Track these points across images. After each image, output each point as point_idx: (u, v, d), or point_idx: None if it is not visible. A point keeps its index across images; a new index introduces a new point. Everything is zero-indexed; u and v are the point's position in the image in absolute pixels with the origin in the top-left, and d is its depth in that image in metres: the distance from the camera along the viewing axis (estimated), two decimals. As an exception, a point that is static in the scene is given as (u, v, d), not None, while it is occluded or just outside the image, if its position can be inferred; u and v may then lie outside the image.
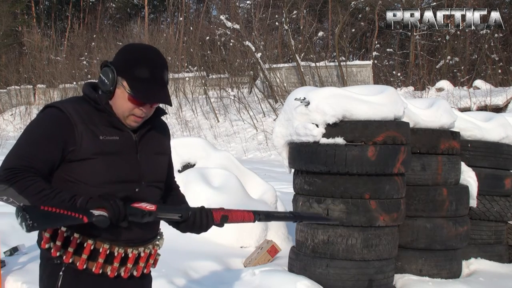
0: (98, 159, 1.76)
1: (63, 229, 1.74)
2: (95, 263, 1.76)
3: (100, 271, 1.77)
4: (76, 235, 1.74)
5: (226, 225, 1.89)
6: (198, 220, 1.80)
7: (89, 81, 1.96)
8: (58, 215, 1.55)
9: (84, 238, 1.75)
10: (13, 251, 4.61)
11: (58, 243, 1.75)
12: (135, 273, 1.85)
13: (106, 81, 1.79)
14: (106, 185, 1.76)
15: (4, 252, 4.52)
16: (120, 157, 1.80)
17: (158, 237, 1.95)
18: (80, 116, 1.77)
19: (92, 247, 1.75)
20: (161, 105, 1.90)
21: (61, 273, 1.77)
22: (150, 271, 1.98)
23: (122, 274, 1.81)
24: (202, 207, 1.84)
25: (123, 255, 1.79)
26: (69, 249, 1.74)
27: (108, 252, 1.76)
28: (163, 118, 2.04)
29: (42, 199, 1.63)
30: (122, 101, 1.79)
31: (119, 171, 1.79)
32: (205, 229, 1.84)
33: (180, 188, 2.16)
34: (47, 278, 1.81)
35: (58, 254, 1.76)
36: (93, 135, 1.77)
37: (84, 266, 1.75)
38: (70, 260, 1.75)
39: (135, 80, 1.77)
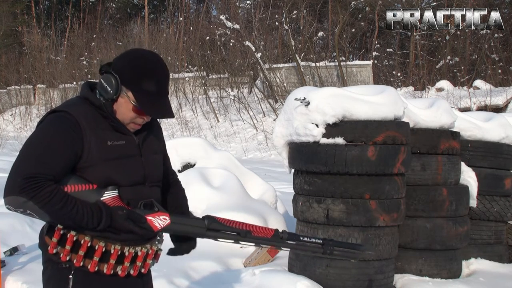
0: (107, 164, 1.77)
1: (73, 233, 1.75)
2: (91, 261, 1.77)
3: (96, 269, 1.78)
4: (72, 232, 1.75)
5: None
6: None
7: (87, 81, 1.93)
8: None
9: (81, 235, 1.76)
10: (13, 251, 4.61)
11: (68, 247, 1.75)
12: (132, 272, 1.86)
13: (110, 89, 1.76)
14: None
15: (4, 252, 4.52)
16: (127, 160, 1.82)
17: (158, 237, 1.96)
18: (87, 121, 1.76)
19: (89, 244, 1.76)
20: None
21: (70, 276, 1.78)
22: (149, 270, 1.99)
23: (119, 272, 1.82)
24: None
25: (119, 252, 1.80)
26: (66, 246, 1.75)
27: (104, 250, 1.77)
28: None
29: (63, 216, 1.66)
30: (125, 110, 1.80)
31: (127, 175, 1.81)
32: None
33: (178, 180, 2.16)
34: (57, 282, 1.81)
35: (67, 258, 1.76)
36: (100, 140, 1.77)
37: (81, 264, 1.76)
38: (68, 258, 1.76)
39: (141, 93, 1.76)
